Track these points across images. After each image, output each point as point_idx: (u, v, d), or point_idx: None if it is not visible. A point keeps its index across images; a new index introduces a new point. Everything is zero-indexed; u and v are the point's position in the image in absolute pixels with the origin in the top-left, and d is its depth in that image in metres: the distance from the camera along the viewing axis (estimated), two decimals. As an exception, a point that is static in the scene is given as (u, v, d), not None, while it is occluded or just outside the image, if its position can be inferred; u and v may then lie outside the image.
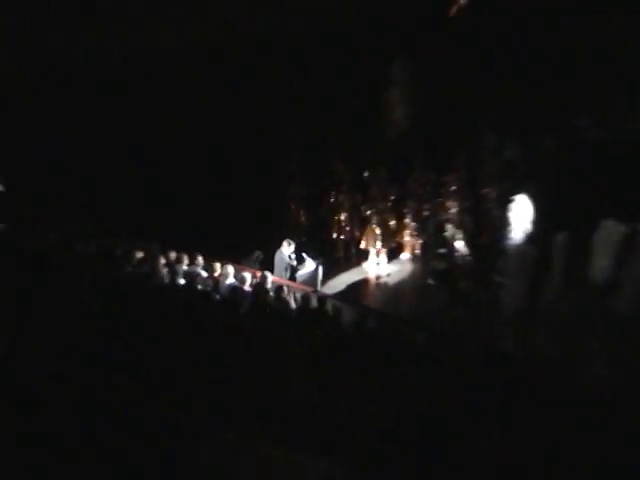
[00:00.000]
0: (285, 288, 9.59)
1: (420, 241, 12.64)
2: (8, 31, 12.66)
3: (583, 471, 6.02)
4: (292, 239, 11.33)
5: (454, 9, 14.26)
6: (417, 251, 12.69)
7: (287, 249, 11.22)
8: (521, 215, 11.72)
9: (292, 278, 10.99)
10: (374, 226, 12.43)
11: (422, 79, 14.29)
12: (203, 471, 4.83)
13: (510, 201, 11.87)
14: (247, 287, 9.55)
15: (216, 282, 9.71)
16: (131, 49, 13.21)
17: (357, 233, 12.73)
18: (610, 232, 11.19)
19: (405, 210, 12.52)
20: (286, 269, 11.15)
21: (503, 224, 12.00)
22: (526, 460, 6.01)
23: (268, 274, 9.72)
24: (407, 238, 12.63)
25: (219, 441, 5.17)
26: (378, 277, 12.37)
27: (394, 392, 7.30)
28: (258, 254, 11.17)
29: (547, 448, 6.22)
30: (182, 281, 9.49)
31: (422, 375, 7.75)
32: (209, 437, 5.14)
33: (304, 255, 11.29)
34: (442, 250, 11.90)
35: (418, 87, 14.49)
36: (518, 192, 11.75)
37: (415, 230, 12.61)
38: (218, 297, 9.36)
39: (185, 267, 9.81)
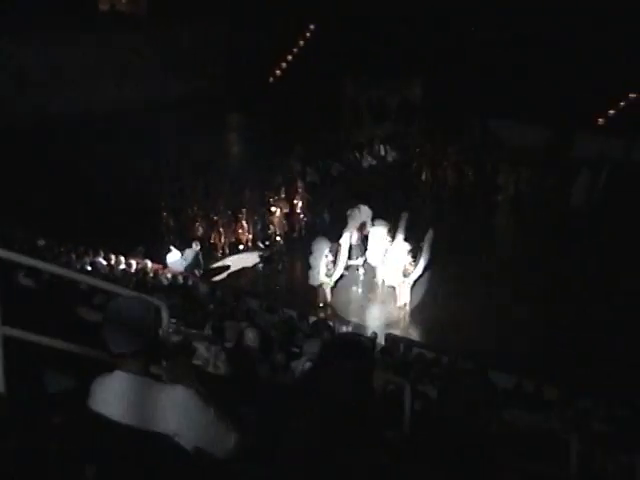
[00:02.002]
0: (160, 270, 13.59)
1: (251, 237, 15.96)
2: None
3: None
4: (163, 238, 15.11)
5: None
6: (249, 244, 15.97)
7: (196, 247, 14.90)
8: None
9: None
10: (220, 227, 15.69)
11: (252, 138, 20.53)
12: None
13: (315, 209, 16.20)
14: (132, 270, 13.35)
15: (111, 268, 13.41)
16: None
17: (208, 232, 15.72)
18: (379, 227, 14.86)
19: (240, 216, 15.85)
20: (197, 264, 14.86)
21: (309, 225, 16.22)
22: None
23: (147, 261, 13.66)
24: (243, 235, 15.90)
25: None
26: (224, 262, 15.52)
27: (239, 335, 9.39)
28: (140, 248, 14.31)
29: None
30: (89, 267, 13.05)
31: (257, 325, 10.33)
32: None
33: (171, 247, 14.76)
34: (267, 243, 15.82)
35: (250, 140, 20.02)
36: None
37: (248, 230, 15.91)
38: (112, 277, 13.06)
39: (90, 258, 13.44)
